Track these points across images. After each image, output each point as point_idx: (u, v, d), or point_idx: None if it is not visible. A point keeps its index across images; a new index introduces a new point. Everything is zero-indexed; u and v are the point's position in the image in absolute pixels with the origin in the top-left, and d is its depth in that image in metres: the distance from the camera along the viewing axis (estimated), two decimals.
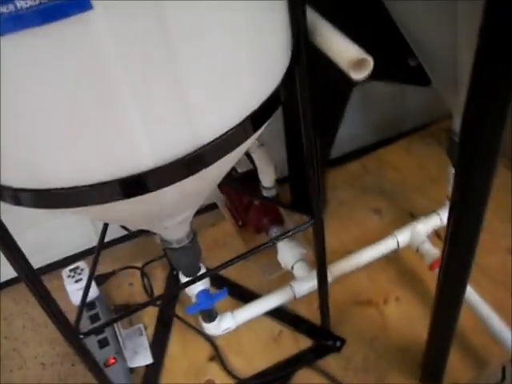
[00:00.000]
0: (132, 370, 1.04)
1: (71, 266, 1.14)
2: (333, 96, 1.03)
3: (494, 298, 1.06)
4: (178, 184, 0.50)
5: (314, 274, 1.06)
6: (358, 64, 0.55)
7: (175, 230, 0.78)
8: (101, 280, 1.14)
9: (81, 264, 1.15)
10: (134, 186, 0.48)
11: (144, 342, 1.08)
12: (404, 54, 0.91)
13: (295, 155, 1.20)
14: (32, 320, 1.18)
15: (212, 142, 0.48)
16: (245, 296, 1.12)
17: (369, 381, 0.98)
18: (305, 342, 1.05)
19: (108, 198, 0.49)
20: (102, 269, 1.20)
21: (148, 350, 1.06)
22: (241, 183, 1.12)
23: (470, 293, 0.97)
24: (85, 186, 0.46)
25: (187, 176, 0.50)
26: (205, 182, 0.60)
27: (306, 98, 0.64)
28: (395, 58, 0.94)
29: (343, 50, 0.55)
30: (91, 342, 1.06)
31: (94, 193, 0.48)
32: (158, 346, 1.07)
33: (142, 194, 0.49)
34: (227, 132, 0.49)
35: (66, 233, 1.24)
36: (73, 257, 1.25)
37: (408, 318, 1.06)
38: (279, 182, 1.25)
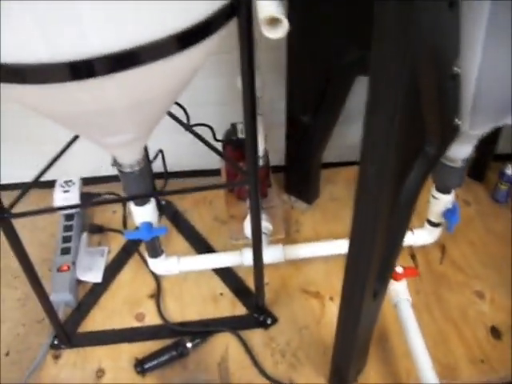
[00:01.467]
0: (80, 282, 1.12)
1: (66, 178, 1.24)
2: (335, 83, 1.03)
3: (439, 332, 1.04)
4: (116, 79, 0.54)
5: (269, 249, 1.08)
6: (273, 22, 0.57)
7: (126, 152, 0.83)
8: (85, 198, 1.22)
9: (74, 179, 1.24)
10: (77, 69, 0.52)
11: (101, 263, 1.15)
12: None
13: (294, 145, 1.22)
14: None
15: (139, 46, 0.53)
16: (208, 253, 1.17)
17: (281, 365, 0.99)
18: (241, 310, 1.08)
19: (55, 78, 0.53)
20: (93, 189, 1.29)
21: (101, 270, 1.14)
22: (236, 149, 1.15)
23: (411, 323, 0.95)
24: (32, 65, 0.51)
25: (118, 70, 0.54)
26: (144, 90, 0.63)
27: (246, 46, 0.64)
28: None
29: (262, 7, 0.57)
30: (56, 247, 1.15)
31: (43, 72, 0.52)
32: (112, 270, 1.14)
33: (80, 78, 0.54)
34: (152, 42, 0.54)
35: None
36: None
37: None
38: (276, 169, 1.28)
